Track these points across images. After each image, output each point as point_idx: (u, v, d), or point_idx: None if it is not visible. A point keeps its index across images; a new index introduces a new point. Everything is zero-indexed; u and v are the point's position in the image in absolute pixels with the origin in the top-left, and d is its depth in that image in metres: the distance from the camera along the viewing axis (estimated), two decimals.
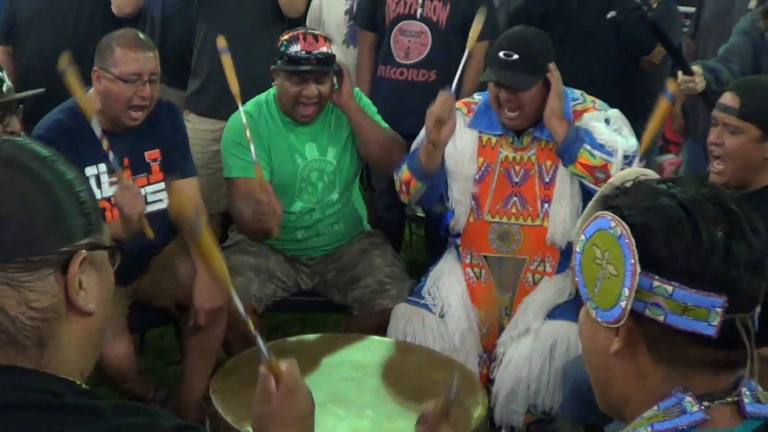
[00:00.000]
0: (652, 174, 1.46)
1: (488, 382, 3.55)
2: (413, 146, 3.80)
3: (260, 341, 1.81)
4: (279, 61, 3.78)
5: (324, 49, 3.76)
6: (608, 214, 1.33)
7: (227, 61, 3.62)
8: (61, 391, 1.19)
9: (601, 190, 1.43)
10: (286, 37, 3.80)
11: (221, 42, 3.65)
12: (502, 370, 3.49)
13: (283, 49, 3.76)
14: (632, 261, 1.27)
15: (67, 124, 3.53)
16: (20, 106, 3.61)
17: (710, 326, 1.26)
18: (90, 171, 3.56)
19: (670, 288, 1.27)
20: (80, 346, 1.27)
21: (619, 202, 1.35)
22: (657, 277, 1.27)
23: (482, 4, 4.55)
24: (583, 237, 1.38)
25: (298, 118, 3.85)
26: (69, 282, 1.22)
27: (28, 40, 4.75)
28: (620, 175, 1.47)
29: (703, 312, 1.26)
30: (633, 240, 1.28)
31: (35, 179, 1.23)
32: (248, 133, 3.60)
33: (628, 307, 1.28)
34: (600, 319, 1.34)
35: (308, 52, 3.72)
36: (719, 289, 1.26)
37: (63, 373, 1.23)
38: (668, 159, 6.15)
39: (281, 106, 3.88)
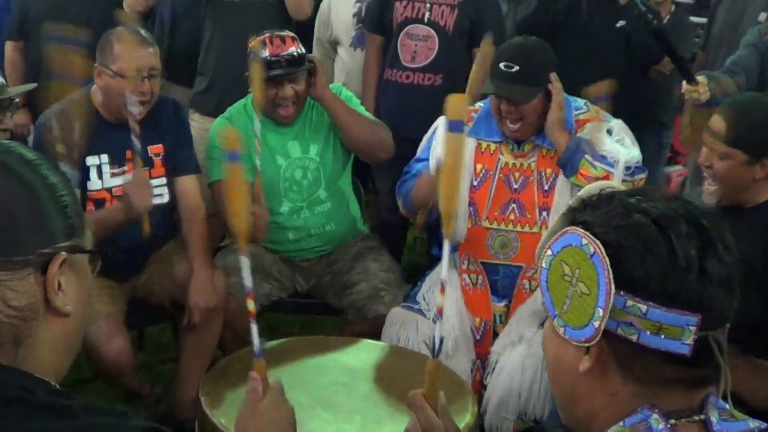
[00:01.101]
0: (617, 186, 1.43)
1: (482, 388, 3.54)
2: (417, 156, 3.82)
3: (255, 334, 1.84)
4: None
5: (292, 49, 3.75)
6: (578, 231, 1.31)
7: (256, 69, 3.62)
8: (34, 388, 1.21)
9: (569, 204, 1.41)
10: (252, 43, 3.79)
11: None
12: (494, 378, 3.49)
13: (251, 56, 3.74)
14: (606, 280, 1.26)
15: (71, 114, 3.54)
16: (14, 101, 3.65)
17: (684, 344, 1.25)
18: (92, 161, 3.60)
19: (644, 308, 1.25)
20: (56, 347, 1.30)
21: (588, 217, 1.33)
22: (631, 296, 1.26)
23: (490, 10, 4.58)
24: (550, 252, 1.35)
25: (279, 119, 3.86)
26: (48, 283, 1.25)
27: (39, 37, 4.77)
28: (586, 188, 1.44)
29: (677, 331, 1.25)
30: (607, 259, 1.26)
31: (19, 182, 1.26)
32: (258, 145, 3.64)
33: (602, 327, 1.27)
34: (569, 337, 1.32)
35: (277, 56, 3.72)
36: (694, 307, 1.25)
37: (37, 373, 1.25)
38: (676, 170, 6.13)
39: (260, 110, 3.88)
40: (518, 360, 3.46)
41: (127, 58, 3.49)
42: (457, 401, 2.88)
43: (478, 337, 3.62)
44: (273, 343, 3.32)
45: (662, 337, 1.25)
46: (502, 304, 3.65)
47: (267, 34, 3.79)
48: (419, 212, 3.63)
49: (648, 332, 1.26)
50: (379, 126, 3.97)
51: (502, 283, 3.65)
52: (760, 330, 2.71)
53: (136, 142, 3.44)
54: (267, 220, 3.64)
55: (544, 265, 1.37)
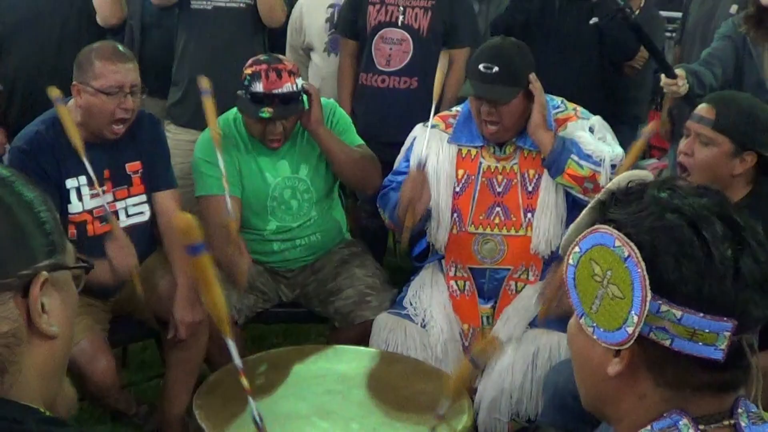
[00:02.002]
0: (646, 175, 1.40)
1: (471, 391, 3.52)
2: (394, 168, 3.80)
3: (253, 403, 1.79)
4: (242, 93, 3.70)
5: (288, 85, 3.64)
6: (611, 231, 1.27)
7: (209, 104, 3.54)
8: (23, 418, 1.15)
9: (597, 197, 1.37)
10: (249, 71, 3.69)
11: (204, 83, 3.55)
12: (484, 379, 3.47)
13: (246, 83, 3.67)
14: (642, 286, 1.22)
15: (47, 137, 3.49)
16: None
17: (718, 350, 1.22)
18: (71, 183, 3.53)
19: (679, 313, 1.22)
20: (44, 371, 1.23)
21: (618, 215, 1.29)
22: (665, 301, 1.22)
23: (463, 12, 4.57)
24: (578, 249, 1.32)
25: (266, 145, 3.80)
26: (31, 305, 1.18)
27: (12, 52, 4.70)
28: (615, 180, 1.40)
29: (712, 337, 1.22)
30: (643, 264, 1.22)
31: None
32: (224, 171, 3.59)
33: (636, 333, 1.23)
34: (598, 338, 1.29)
35: (270, 92, 3.62)
36: (729, 312, 1.22)
37: (25, 400, 1.19)
38: (651, 164, 6.14)
39: (248, 131, 3.83)
40: (507, 361, 3.44)
41: (108, 74, 3.43)
42: (454, 404, 2.86)
43: (466, 343, 3.60)
44: (262, 354, 3.30)
45: (696, 342, 1.22)
46: (488, 305, 3.64)
47: (264, 65, 3.68)
48: (405, 226, 3.59)
49: (681, 338, 1.23)
50: (369, 162, 3.91)
51: (488, 286, 3.64)
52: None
53: (106, 203, 3.41)
54: (247, 267, 3.57)
55: (571, 261, 1.33)
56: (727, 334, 1.21)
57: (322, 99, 3.96)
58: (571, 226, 1.39)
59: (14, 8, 4.65)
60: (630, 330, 1.24)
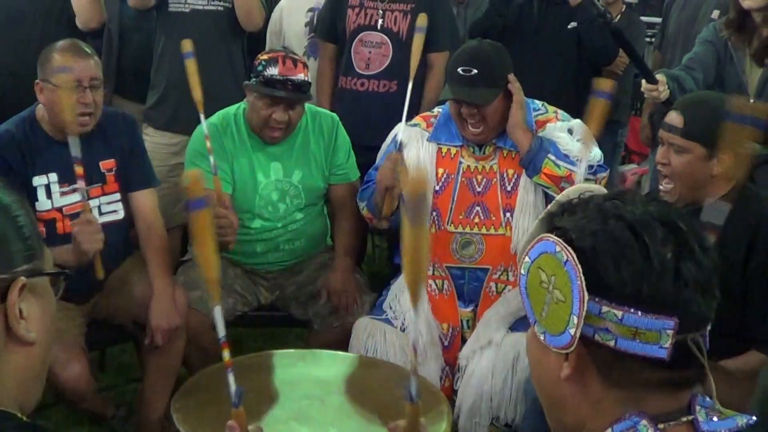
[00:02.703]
0: (598, 189, 1.43)
1: (453, 394, 3.52)
2: (376, 164, 3.79)
3: (232, 382, 1.76)
4: (254, 80, 3.72)
5: (301, 75, 3.70)
6: (552, 237, 1.30)
7: (192, 66, 3.53)
8: (0, 425, 1.14)
9: (547, 208, 1.40)
10: (265, 57, 3.74)
11: (186, 45, 3.55)
12: (464, 383, 3.46)
13: (260, 68, 3.69)
14: (579, 288, 1.25)
15: (16, 134, 3.49)
16: None
17: (662, 349, 1.24)
18: (39, 180, 3.51)
19: (619, 313, 1.24)
20: (21, 377, 1.22)
21: (564, 223, 1.32)
22: (606, 302, 1.25)
23: (442, 15, 4.57)
24: (528, 259, 1.35)
25: (266, 138, 3.80)
26: (8, 311, 1.17)
27: None
28: (566, 192, 1.44)
29: (654, 335, 1.24)
30: (579, 267, 1.25)
31: None
32: (208, 143, 3.54)
33: (577, 334, 1.26)
34: (549, 344, 1.32)
35: (284, 77, 3.66)
36: (670, 311, 1.24)
37: (3, 406, 1.18)
38: (630, 169, 6.18)
39: (250, 124, 3.82)
40: (488, 364, 3.44)
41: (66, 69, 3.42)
42: (433, 409, 2.86)
43: (446, 344, 3.59)
44: (240, 358, 3.28)
45: (639, 341, 1.24)
46: (469, 309, 3.64)
47: (281, 52, 3.76)
48: (384, 204, 3.57)
49: (625, 337, 1.25)
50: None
51: (468, 287, 3.63)
52: (721, 330, 2.72)
53: (82, 183, 3.33)
54: (235, 224, 3.57)
55: (522, 271, 1.37)
56: (670, 332, 1.24)
57: (323, 110, 4.05)
58: (525, 238, 1.41)
59: None
60: (572, 332, 1.26)
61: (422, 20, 3.78)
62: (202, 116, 3.57)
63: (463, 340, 3.59)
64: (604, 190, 1.43)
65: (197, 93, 3.51)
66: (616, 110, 5.23)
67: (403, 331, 3.55)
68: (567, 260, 1.27)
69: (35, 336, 1.21)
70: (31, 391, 1.26)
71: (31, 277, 1.21)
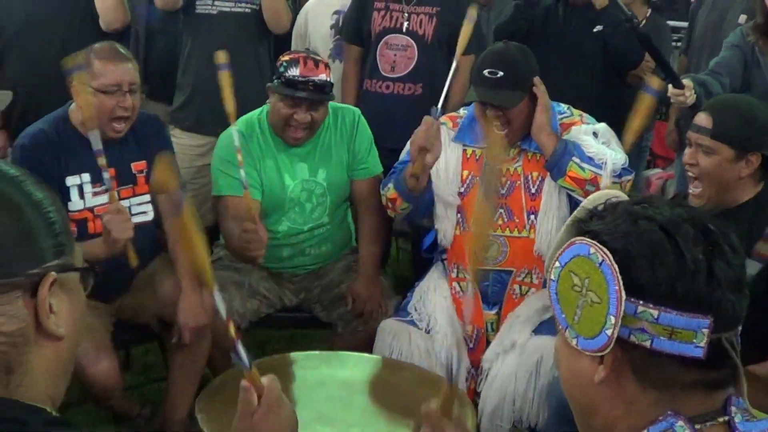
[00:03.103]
0: (622, 195, 1.43)
1: (476, 396, 3.52)
2: (400, 159, 3.79)
3: (240, 349, 1.75)
4: (276, 81, 3.73)
5: (323, 76, 3.70)
6: (586, 240, 1.31)
7: (225, 79, 3.49)
8: (28, 419, 1.15)
9: (573, 214, 1.41)
10: (286, 58, 3.75)
11: (221, 57, 3.52)
12: (487, 386, 3.46)
13: (281, 69, 3.70)
14: (616, 288, 1.25)
15: (50, 134, 3.53)
16: None
17: (697, 348, 1.24)
18: (72, 180, 3.55)
19: (655, 312, 1.25)
20: (50, 372, 1.23)
21: (595, 227, 1.33)
22: (641, 302, 1.25)
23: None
24: (558, 264, 1.35)
25: (288, 140, 3.81)
26: (39, 305, 1.18)
27: (15, 55, 4.71)
28: (591, 198, 1.44)
29: (690, 334, 1.24)
30: (616, 266, 1.25)
31: (2, 201, 1.20)
32: (240, 156, 3.52)
33: (615, 335, 1.26)
34: (582, 348, 1.31)
35: (306, 78, 3.66)
36: (705, 310, 1.24)
37: (32, 400, 1.19)
38: (655, 174, 6.13)
39: (272, 125, 3.83)
40: (511, 368, 3.43)
41: (107, 74, 3.45)
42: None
43: (471, 345, 3.59)
44: (265, 359, 3.30)
45: (675, 341, 1.25)
46: (493, 311, 3.63)
47: (302, 53, 3.78)
48: (411, 171, 3.51)
49: (661, 337, 1.25)
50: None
51: (492, 290, 3.63)
52: (749, 334, 2.71)
53: (105, 174, 3.36)
54: (264, 239, 3.55)
55: (552, 277, 1.36)
56: (705, 331, 1.24)
57: (345, 106, 4.05)
58: (553, 245, 1.41)
59: (17, 12, 4.65)
60: (609, 332, 1.26)
61: (473, 11, 3.74)
62: (234, 129, 3.54)
63: (487, 343, 3.59)
64: (626, 197, 1.43)
65: (230, 105, 3.48)
66: None
67: (428, 332, 3.56)
68: (602, 261, 1.27)
69: (64, 331, 1.22)
70: (59, 384, 1.27)
71: (62, 272, 1.22)
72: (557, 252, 1.36)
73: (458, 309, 3.64)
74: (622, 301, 1.24)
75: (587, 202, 1.42)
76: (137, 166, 3.66)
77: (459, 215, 3.63)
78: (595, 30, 4.56)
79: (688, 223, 1.29)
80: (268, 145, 3.85)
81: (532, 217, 3.58)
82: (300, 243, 3.92)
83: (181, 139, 4.50)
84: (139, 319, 3.78)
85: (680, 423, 1.26)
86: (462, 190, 3.64)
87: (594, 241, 1.29)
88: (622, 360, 1.29)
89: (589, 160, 3.43)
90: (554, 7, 4.69)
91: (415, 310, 3.67)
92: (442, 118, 3.70)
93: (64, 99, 3.62)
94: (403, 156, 3.80)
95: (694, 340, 1.24)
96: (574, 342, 1.32)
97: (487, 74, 3.49)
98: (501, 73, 3.47)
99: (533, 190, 3.59)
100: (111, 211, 3.34)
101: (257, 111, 3.92)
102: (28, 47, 4.65)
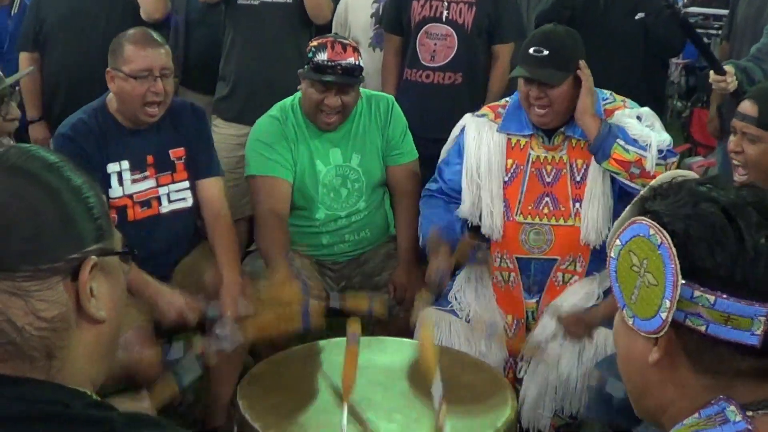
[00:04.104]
0: (691, 175, 1.40)
1: (516, 383, 3.50)
2: (441, 155, 3.80)
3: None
4: (306, 67, 3.76)
5: (351, 59, 3.71)
6: (646, 221, 1.29)
7: (351, 354, 3.02)
8: (71, 402, 1.16)
9: (640, 193, 1.39)
10: (314, 43, 3.77)
11: (354, 327, 3.15)
12: (529, 374, 3.45)
13: (310, 55, 3.72)
14: (673, 272, 1.23)
15: (89, 123, 3.56)
16: (16, 88, 3.63)
17: (753, 335, 1.22)
18: (112, 168, 3.58)
19: (712, 298, 1.22)
20: (91, 355, 1.24)
21: (657, 206, 1.31)
22: (698, 286, 1.23)
23: (508, 6, 4.57)
24: (618, 242, 1.34)
25: (321, 125, 3.82)
26: (80, 289, 1.19)
27: (56, 48, 4.77)
28: (659, 177, 1.41)
29: (747, 321, 1.22)
30: (674, 250, 1.24)
31: (42, 186, 1.21)
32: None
33: (669, 319, 1.24)
34: (638, 328, 1.30)
35: (334, 62, 3.68)
36: (763, 297, 1.22)
37: (73, 384, 1.20)
38: (697, 161, 6.09)
39: (304, 111, 3.85)
40: (553, 355, 3.42)
41: (138, 58, 3.48)
42: (496, 395, 2.87)
43: (510, 335, 3.58)
44: (305, 345, 3.32)
45: (731, 327, 1.22)
46: (534, 300, 3.62)
47: (330, 38, 3.78)
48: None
49: (716, 323, 1.23)
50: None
51: (534, 278, 3.62)
52: None
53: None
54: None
55: (612, 255, 1.35)
56: (762, 319, 1.21)
57: (379, 93, 4.04)
58: (616, 222, 1.40)
59: (60, 4, 4.70)
60: (664, 316, 1.25)
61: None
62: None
63: (528, 331, 3.58)
64: (696, 176, 1.40)
65: (348, 384, 2.97)
66: None
67: (468, 322, 3.55)
68: (661, 243, 1.25)
69: (105, 314, 1.23)
70: (101, 367, 1.28)
71: (102, 256, 1.23)
72: (619, 229, 1.35)
73: (499, 299, 3.63)
74: (678, 286, 1.23)
75: (654, 181, 1.40)
76: (176, 153, 3.68)
77: (504, 204, 3.61)
78: (636, 17, 4.53)
79: (753, 206, 1.26)
80: (302, 131, 3.87)
81: (578, 204, 3.55)
82: (339, 230, 3.93)
83: (222, 129, 4.54)
84: None
85: (732, 408, 1.25)
86: (506, 179, 3.62)
87: (654, 222, 1.27)
88: (677, 343, 1.27)
89: (634, 142, 3.40)
90: None
91: (456, 299, 3.66)
92: (483, 110, 3.69)
93: (104, 90, 3.66)
94: (444, 155, 3.80)
95: (751, 328, 1.22)
96: (630, 321, 1.31)
97: (532, 52, 3.47)
98: (546, 52, 3.44)
99: (578, 178, 3.57)
100: (171, 309, 3.47)
101: (290, 98, 3.93)
102: (69, 39, 4.71)
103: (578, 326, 3.36)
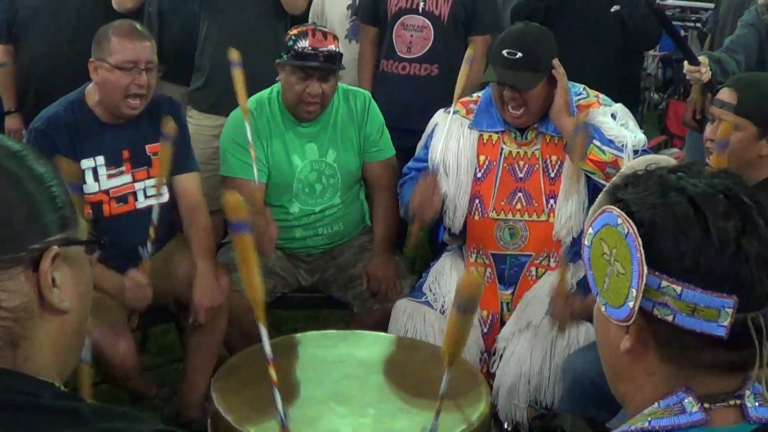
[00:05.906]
0: (664, 160, 1.41)
1: (490, 378, 3.51)
2: (416, 154, 3.80)
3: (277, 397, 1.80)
4: (285, 56, 3.75)
5: (332, 47, 3.72)
6: (615, 210, 1.29)
7: (239, 76, 3.54)
8: (38, 392, 1.15)
9: (612, 180, 1.39)
10: (294, 31, 3.76)
11: (233, 54, 3.57)
12: (502, 365, 3.46)
13: (290, 43, 3.72)
14: (639, 261, 1.24)
15: (65, 117, 3.54)
16: None
17: (720, 327, 1.23)
18: (87, 163, 3.56)
19: (678, 288, 1.23)
20: (57, 346, 1.22)
21: (626, 195, 1.31)
22: (665, 276, 1.24)
23: None
24: (591, 230, 1.35)
25: (301, 114, 3.81)
26: (41, 279, 1.17)
27: (29, 39, 4.73)
28: (631, 164, 1.42)
29: (713, 313, 1.22)
30: (640, 240, 1.24)
31: (5, 175, 1.19)
32: (252, 152, 3.59)
33: (636, 308, 1.25)
34: (609, 316, 1.31)
35: (315, 49, 3.68)
36: (730, 288, 1.22)
37: (40, 375, 1.18)
38: (673, 153, 6.12)
39: (285, 102, 3.84)
40: (526, 347, 3.44)
41: (124, 50, 3.47)
42: (471, 391, 2.87)
43: (485, 330, 3.59)
44: (281, 338, 3.31)
45: (697, 318, 1.23)
46: (508, 291, 3.64)
47: (310, 26, 3.80)
48: (414, 226, 3.60)
49: (683, 313, 1.24)
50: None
51: (509, 272, 3.63)
52: None
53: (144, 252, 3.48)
54: (274, 236, 3.60)
55: (586, 243, 1.36)
56: (729, 310, 1.22)
57: (356, 88, 4.03)
58: (591, 209, 1.40)
59: None
60: (631, 305, 1.26)
61: (469, 51, 3.76)
62: (247, 126, 3.60)
63: (502, 323, 3.59)
64: (673, 161, 1.41)
65: (243, 103, 3.54)
66: None
67: (443, 313, 3.55)
68: (628, 233, 1.26)
69: (69, 305, 1.21)
70: (68, 359, 1.27)
71: (64, 246, 1.21)
72: (591, 217, 1.36)
73: None
74: (644, 275, 1.23)
75: (627, 168, 1.41)
76: (152, 148, 3.66)
77: (476, 200, 3.62)
78: (612, 10, 4.53)
79: (722, 195, 1.26)
80: (277, 125, 3.86)
81: (552, 201, 3.56)
82: (312, 224, 3.92)
83: (198, 120, 4.52)
84: (156, 300, 3.77)
85: (689, 399, 1.26)
86: (479, 175, 3.63)
87: (622, 212, 1.28)
88: (647, 332, 1.28)
89: (609, 142, 3.41)
90: None
91: (430, 290, 3.66)
92: (456, 106, 3.69)
93: (78, 81, 3.65)
94: (418, 152, 3.81)
95: (718, 319, 1.22)
96: (603, 309, 1.33)
97: (506, 54, 3.47)
98: (520, 54, 3.45)
99: (552, 174, 3.58)
100: (133, 284, 3.44)
101: (267, 90, 3.92)
102: (41, 29, 4.67)
103: (565, 304, 3.34)
